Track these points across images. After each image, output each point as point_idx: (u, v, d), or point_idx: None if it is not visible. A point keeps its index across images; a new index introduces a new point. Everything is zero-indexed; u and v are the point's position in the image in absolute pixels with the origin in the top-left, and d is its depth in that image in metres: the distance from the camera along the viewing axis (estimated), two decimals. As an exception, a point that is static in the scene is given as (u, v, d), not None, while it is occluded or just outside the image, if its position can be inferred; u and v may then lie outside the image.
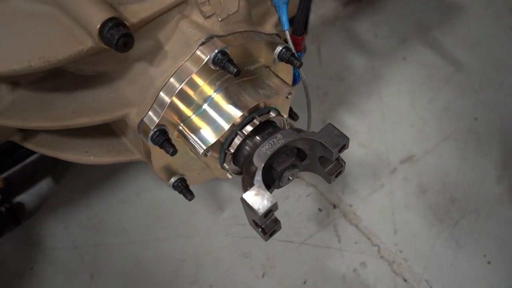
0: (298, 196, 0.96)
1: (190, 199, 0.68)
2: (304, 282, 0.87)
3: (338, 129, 0.61)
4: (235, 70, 0.56)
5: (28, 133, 0.69)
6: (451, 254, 0.91)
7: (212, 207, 0.94)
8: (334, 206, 0.95)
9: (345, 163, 0.65)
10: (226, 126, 0.59)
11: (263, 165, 0.59)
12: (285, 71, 0.73)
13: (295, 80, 0.79)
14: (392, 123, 1.07)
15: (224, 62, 0.57)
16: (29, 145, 0.69)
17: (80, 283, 0.85)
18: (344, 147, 0.60)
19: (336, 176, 0.66)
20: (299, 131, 0.63)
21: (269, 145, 0.60)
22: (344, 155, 1.06)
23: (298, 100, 1.12)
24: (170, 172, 0.68)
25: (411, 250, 0.91)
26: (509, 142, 1.05)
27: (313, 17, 1.24)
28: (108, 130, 0.69)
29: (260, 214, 0.55)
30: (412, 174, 1.00)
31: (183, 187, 0.68)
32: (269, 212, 0.56)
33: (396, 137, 1.05)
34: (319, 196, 0.96)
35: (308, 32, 1.18)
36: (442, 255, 0.90)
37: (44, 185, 0.95)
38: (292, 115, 0.79)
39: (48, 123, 0.59)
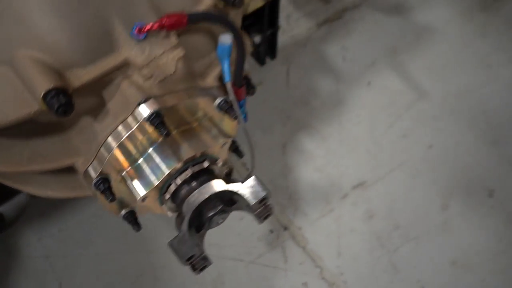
0: (252, 217, 1.04)
1: (137, 231, 0.77)
2: (250, 298, 0.96)
3: (260, 182, 0.68)
4: (165, 132, 0.63)
5: (-6, 166, 0.78)
6: (387, 278, 0.98)
7: (172, 225, 1.02)
8: (285, 228, 1.03)
9: (272, 207, 0.72)
10: (161, 177, 0.67)
11: (190, 213, 0.66)
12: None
13: (245, 118, 0.85)
14: (349, 148, 1.13)
15: (156, 123, 0.64)
16: (-5, 177, 0.78)
17: (50, 290, 0.96)
18: (264, 200, 0.68)
19: (265, 219, 0.74)
20: (227, 181, 0.70)
21: (198, 195, 0.68)
22: (299, 179, 1.13)
23: (262, 122, 1.19)
24: (121, 205, 0.76)
25: (352, 273, 0.99)
26: (458, 171, 1.10)
27: (285, 38, 1.29)
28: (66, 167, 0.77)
29: (182, 261, 0.63)
30: (362, 200, 1.07)
31: (131, 219, 0.76)
32: (191, 257, 0.65)
33: (351, 163, 1.11)
34: (272, 218, 1.04)
35: (277, 55, 1.23)
36: (379, 279, 0.98)
37: (22, 198, 1.04)
38: (238, 153, 0.85)
39: (3, 168, 0.68)
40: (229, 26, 0.65)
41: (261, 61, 1.23)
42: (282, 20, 1.32)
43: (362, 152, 1.13)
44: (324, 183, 1.08)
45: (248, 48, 0.88)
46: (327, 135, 1.14)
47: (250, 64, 1.25)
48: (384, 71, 1.25)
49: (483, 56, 1.27)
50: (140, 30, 0.60)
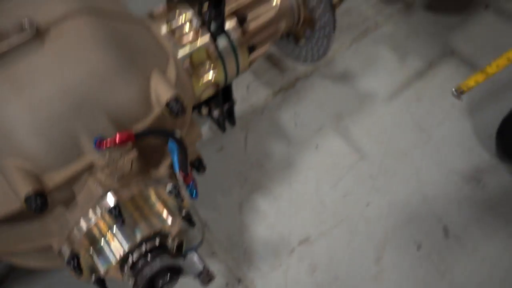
0: (211, 271, 1.20)
1: (104, 293, 0.93)
2: None
3: (197, 257, 0.84)
4: (121, 220, 0.80)
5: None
6: (326, 324, 1.14)
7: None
8: (239, 281, 1.19)
9: (213, 274, 0.89)
10: (118, 256, 0.84)
11: (143, 283, 0.83)
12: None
13: (196, 195, 1.02)
14: (297, 207, 1.30)
15: (114, 213, 0.81)
16: (-14, 251, 0.94)
17: None
18: (202, 273, 0.84)
19: (208, 282, 0.90)
20: (176, 254, 0.87)
21: (149, 268, 0.84)
22: (253, 236, 1.29)
23: (222, 184, 1.35)
24: (91, 271, 0.92)
25: (295, 320, 1.14)
26: (391, 227, 1.27)
27: (245, 106, 1.47)
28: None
29: (134, 324, 0.79)
30: (306, 254, 1.23)
31: (100, 283, 0.93)
32: (142, 321, 0.81)
33: (298, 220, 1.28)
34: (228, 272, 1.20)
35: (236, 123, 1.41)
36: (319, 325, 1.14)
37: (11, 258, 1.21)
38: (191, 223, 1.02)
39: (-7, 250, 0.85)
40: (170, 137, 0.83)
41: (222, 128, 1.41)
42: (243, 89, 1.51)
43: (308, 210, 1.29)
44: (274, 239, 1.25)
45: (198, 135, 1.06)
46: (278, 195, 1.31)
47: (213, 131, 1.43)
48: (330, 134, 1.42)
49: (417, 120, 1.45)
50: (99, 145, 0.77)
